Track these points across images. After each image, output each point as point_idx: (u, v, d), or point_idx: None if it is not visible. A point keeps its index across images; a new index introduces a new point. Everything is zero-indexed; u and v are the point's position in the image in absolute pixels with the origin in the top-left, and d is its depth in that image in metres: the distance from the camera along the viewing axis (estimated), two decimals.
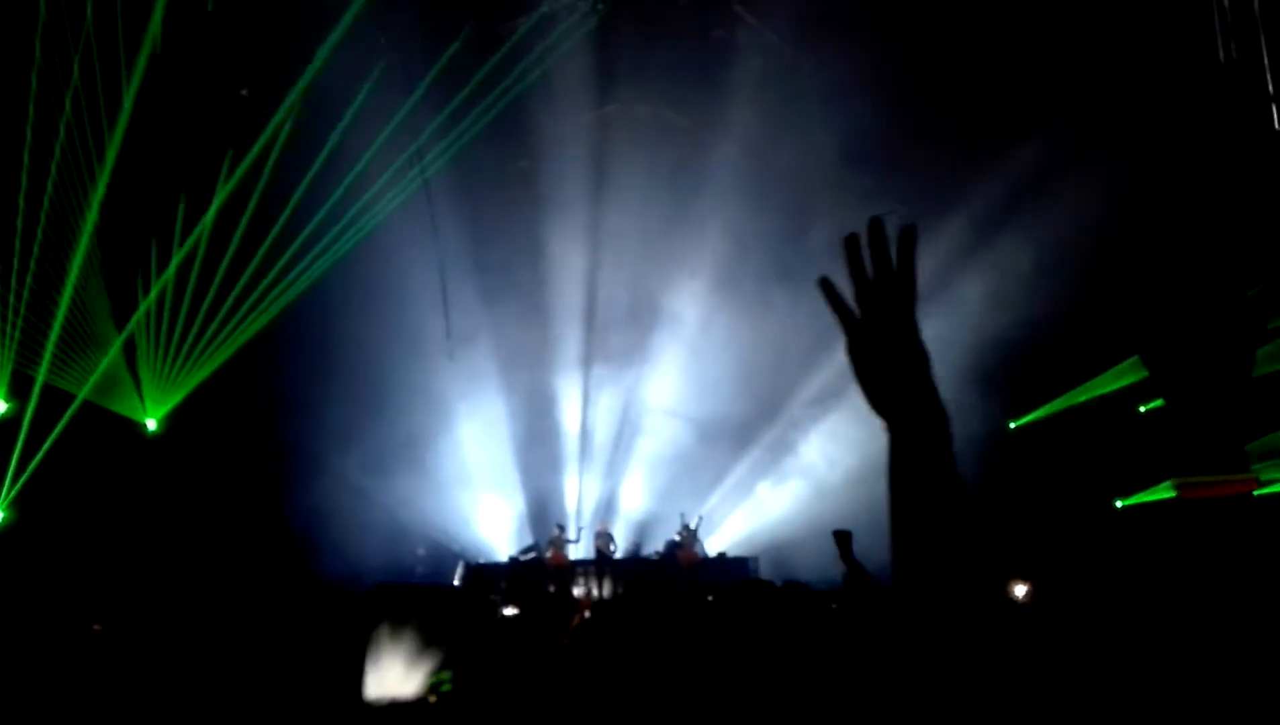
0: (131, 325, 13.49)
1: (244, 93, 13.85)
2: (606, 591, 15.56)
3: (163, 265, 13.45)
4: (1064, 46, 13.20)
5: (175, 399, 13.87)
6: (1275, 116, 11.30)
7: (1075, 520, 13.76)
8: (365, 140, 14.46)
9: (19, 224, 12.33)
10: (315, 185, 14.11)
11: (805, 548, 16.13)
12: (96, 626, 6.42)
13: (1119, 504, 14.60)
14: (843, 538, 3.96)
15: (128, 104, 12.36)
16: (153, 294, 13.44)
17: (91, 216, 12.77)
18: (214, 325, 13.91)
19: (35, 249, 12.62)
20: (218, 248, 13.62)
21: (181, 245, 13.40)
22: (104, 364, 13.30)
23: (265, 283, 14.20)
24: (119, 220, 12.90)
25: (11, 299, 12.49)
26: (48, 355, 12.91)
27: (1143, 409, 13.45)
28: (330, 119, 13.99)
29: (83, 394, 12.90)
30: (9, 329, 12.60)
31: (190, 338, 13.76)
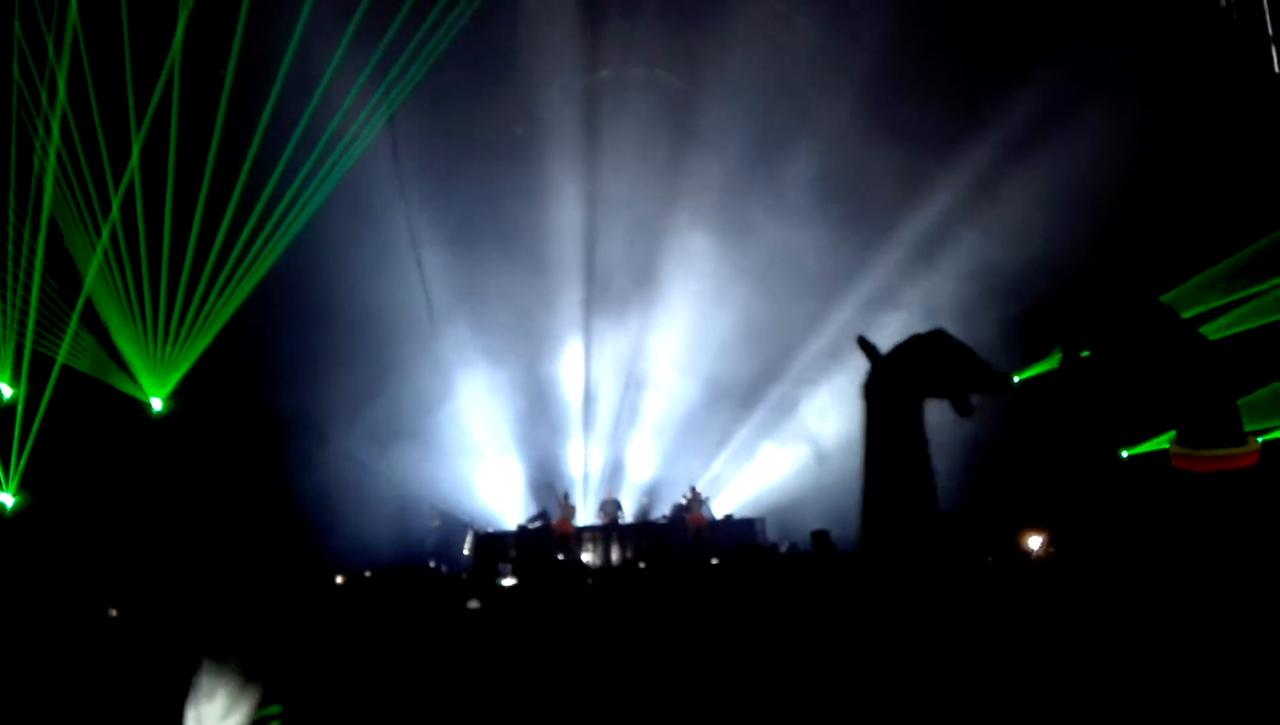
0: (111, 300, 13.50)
1: (221, 73, 13.74)
2: (615, 557, 15.65)
3: (147, 234, 13.39)
4: None
5: (175, 376, 13.90)
6: (1275, 59, 11.14)
7: (1084, 470, 13.78)
8: (339, 83, 14.29)
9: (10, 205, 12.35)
10: (280, 133, 13.92)
11: (811, 508, 16.22)
12: (112, 611, 6.46)
13: (1124, 453, 14.61)
14: (821, 539, 3.92)
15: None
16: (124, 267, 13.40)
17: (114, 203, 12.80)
18: (204, 293, 13.85)
19: (38, 236, 12.65)
20: (191, 210, 13.53)
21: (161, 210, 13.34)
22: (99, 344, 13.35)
23: (243, 242, 14.06)
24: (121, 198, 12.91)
25: (9, 281, 12.53)
26: (66, 340, 13.00)
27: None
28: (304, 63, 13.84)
29: (54, 366, 12.93)
30: (11, 312, 12.66)
31: (181, 309, 13.73)
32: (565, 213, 17.13)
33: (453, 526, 17.02)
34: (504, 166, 16.75)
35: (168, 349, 13.76)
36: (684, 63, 16.39)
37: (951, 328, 1.28)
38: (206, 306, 13.89)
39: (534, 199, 16.93)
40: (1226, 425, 0.97)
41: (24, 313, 12.76)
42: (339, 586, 8.21)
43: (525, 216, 17.02)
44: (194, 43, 13.09)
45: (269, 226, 14.19)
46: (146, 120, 12.87)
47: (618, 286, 17.78)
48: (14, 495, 12.75)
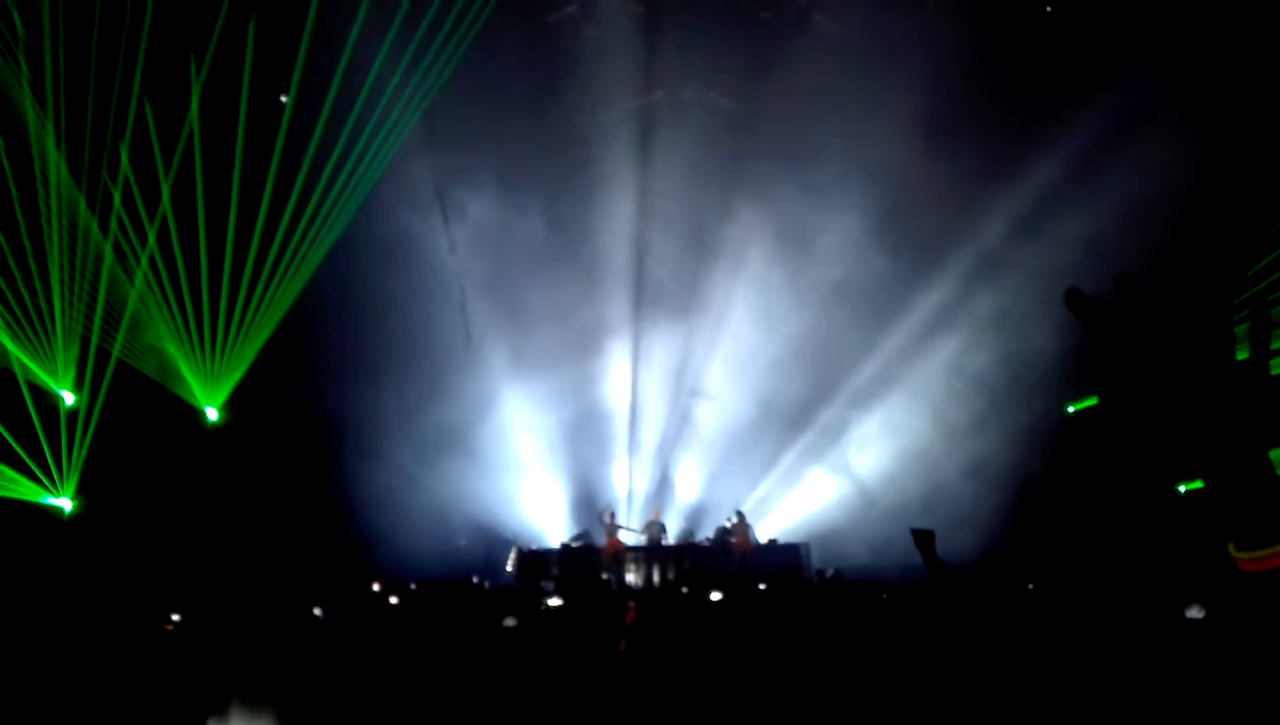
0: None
1: (283, 99, 14.06)
2: (659, 578, 15.60)
3: (193, 244, 13.68)
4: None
5: (228, 385, 14.17)
6: None
7: (1139, 504, 13.48)
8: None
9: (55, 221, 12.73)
10: (322, 136, 14.11)
11: (854, 535, 16.08)
12: (173, 618, 6.57)
13: (1182, 489, 14.24)
14: (924, 538, 3.84)
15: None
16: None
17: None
18: (249, 302, 14.08)
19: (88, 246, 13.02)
20: (235, 216, 13.78)
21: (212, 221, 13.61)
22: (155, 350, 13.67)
23: (292, 245, 14.25)
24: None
25: (68, 293, 12.90)
26: (117, 345, 13.33)
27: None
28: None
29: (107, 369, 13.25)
30: (75, 318, 13.03)
31: (227, 318, 13.97)
32: (617, 229, 17.23)
33: (495, 543, 17.09)
34: (556, 183, 16.92)
35: (219, 358, 14.04)
36: (738, 85, 16.43)
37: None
38: (253, 314, 14.13)
39: (586, 216, 17.07)
40: (1276, 525, 1.00)
41: (89, 320, 13.13)
42: (389, 603, 8.28)
43: (577, 233, 17.16)
44: (241, 48, 13.37)
45: (312, 230, 14.38)
46: (195, 126, 13.17)
47: (667, 304, 17.82)
48: (72, 499, 13.06)
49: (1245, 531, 1.02)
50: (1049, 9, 14.63)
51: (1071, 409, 15.59)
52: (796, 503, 17.65)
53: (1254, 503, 1.02)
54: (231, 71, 13.33)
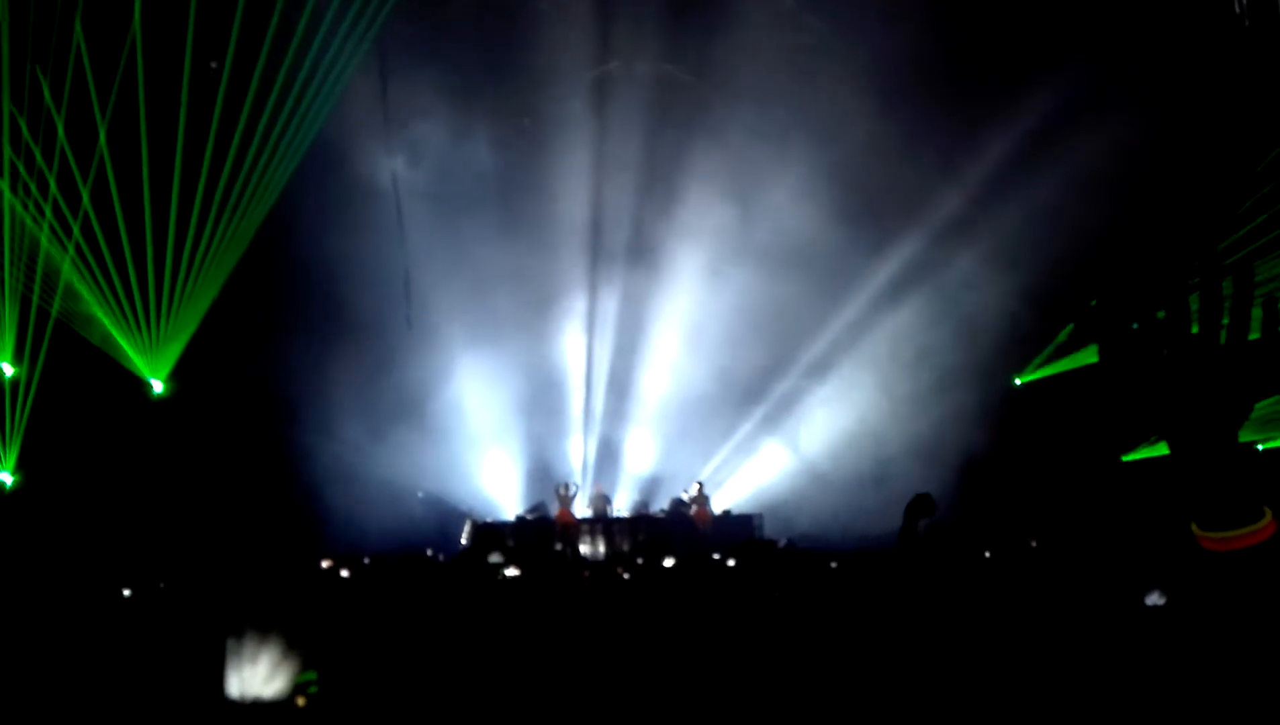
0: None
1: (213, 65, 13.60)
2: (613, 549, 15.65)
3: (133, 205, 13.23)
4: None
5: (173, 355, 13.82)
6: None
7: (1082, 476, 13.83)
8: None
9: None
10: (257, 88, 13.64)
11: (806, 506, 16.30)
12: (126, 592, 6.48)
13: (1125, 458, 14.64)
14: (922, 506, 3.58)
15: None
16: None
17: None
18: (188, 267, 13.66)
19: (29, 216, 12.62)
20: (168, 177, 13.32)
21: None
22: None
23: (230, 206, 13.77)
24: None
25: (4, 262, 12.50)
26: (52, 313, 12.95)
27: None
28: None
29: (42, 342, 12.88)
30: (11, 291, 12.63)
31: (168, 286, 13.57)
32: (572, 201, 17.12)
33: (450, 516, 16.97)
34: (509, 153, 16.74)
35: (161, 327, 13.65)
36: (693, 57, 16.38)
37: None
38: (193, 281, 13.72)
39: (539, 187, 16.93)
40: (1242, 506, 1.02)
41: (28, 288, 12.73)
42: (343, 577, 8.22)
43: (530, 204, 17.02)
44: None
45: (249, 190, 13.94)
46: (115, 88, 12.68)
47: (622, 275, 17.77)
48: (12, 474, 12.73)
49: (1211, 512, 1.03)
50: None
51: (1019, 381, 15.92)
52: (749, 475, 17.80)
53: (1221, 483, 1.03)
54: (170, 27, 12.87)
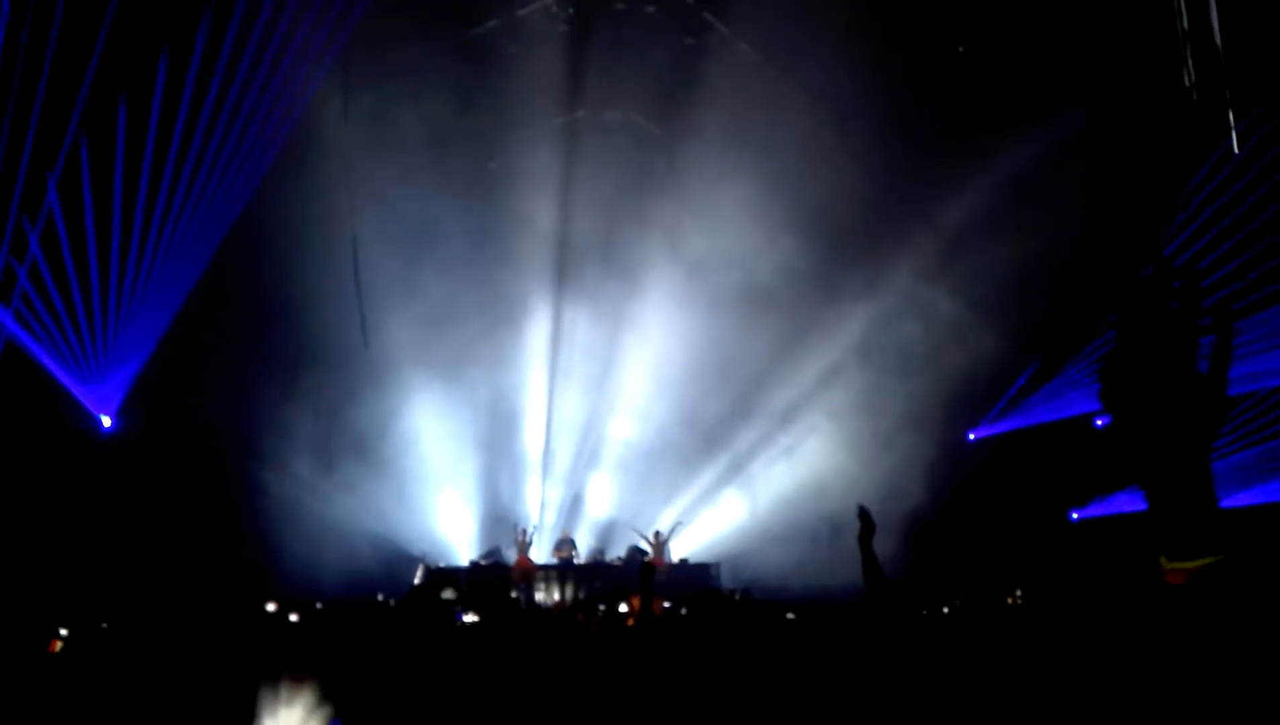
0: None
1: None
2: (569, 597, 15.49)
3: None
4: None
5: (120, 388, 13.46)
6: (1234, 141, 11.56)
7: (1033, 533, 13.96)
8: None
9: None
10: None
11: (762, 556, 16.26)
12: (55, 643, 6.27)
13: (1074, 516, 14.83)
14: (866, 525, 3.42)
15: None
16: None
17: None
18: (140, 297, 13.31)
19: None
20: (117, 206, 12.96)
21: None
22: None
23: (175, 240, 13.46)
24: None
25: None
26: None
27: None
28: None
29: None
30: None
31: (118, 317, 13.24)
32: (536, 244, 17.14)
33: (400, 559, 16.63)
34: (473, 196, 16.73)
35: (108, 361, 13.31)
36: (660, 106, 16.61)
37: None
38: (142, 311, 13.38)
39: (501, 226, 16.92)
40: (1212, 536, 1.05)
41: None
42: (293, 623, 8.03)
43: (491, 243, 16.99)
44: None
45: (201, 219, 13.60)
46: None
47: (585, 318, 17.78)
48: None
49: (1179, 541, 1.05)
50: (960, 50, 15.12)
51: (972, 436, 16.10)
52: (706, 524, 17.76)
53: (1192, 513, 1.05)
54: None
